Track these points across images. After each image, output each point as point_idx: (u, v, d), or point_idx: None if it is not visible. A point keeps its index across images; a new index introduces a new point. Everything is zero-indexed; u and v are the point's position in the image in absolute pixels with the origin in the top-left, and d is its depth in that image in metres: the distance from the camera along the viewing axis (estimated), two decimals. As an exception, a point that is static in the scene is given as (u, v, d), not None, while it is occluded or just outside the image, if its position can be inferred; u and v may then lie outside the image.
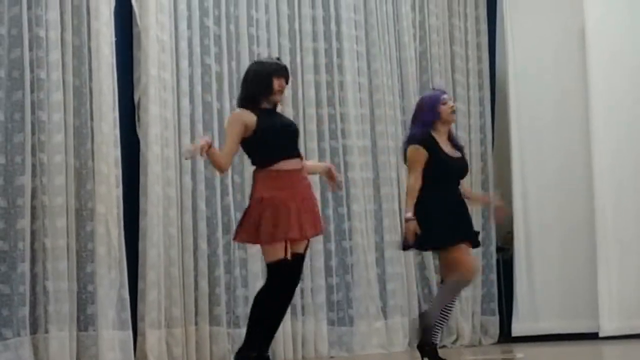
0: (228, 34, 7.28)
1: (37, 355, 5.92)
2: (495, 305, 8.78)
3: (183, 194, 6.87)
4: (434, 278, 8.28)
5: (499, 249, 8.98)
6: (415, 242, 5.95)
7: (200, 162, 6.98)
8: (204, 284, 6.86)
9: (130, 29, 6.77)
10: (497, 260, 8.90)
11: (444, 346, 8.21)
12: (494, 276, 8.81)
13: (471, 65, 8.92)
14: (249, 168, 7.18)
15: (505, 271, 8.89)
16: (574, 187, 8.41)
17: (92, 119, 6.32)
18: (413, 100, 8.39)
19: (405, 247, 6.08)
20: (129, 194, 6.54)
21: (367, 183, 7.99)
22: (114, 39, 6.48)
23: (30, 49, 6.02)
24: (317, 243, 7.55)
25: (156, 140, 6.68)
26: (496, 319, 8.68)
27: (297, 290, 7.34)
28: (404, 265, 8.08)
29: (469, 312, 8.43)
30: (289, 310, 7.23)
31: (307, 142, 7.67)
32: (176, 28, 6.93)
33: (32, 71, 6.01)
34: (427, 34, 8.63)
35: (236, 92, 7.26)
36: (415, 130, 6.06)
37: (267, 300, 5.43)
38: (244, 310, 7.03)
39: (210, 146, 5.39)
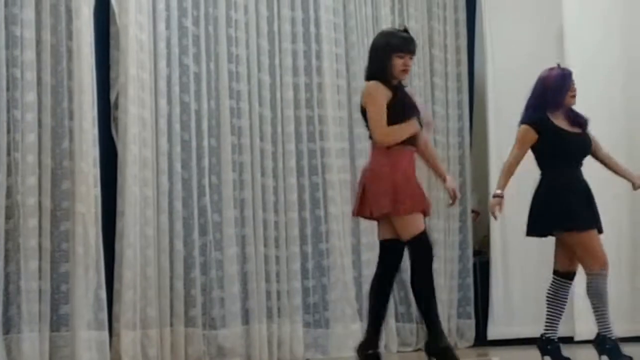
0: (207, 34, 7.26)
1: (10, 355, 5.87)
2: (471, 308, 8.79)
3: (160, 194, 6.85)
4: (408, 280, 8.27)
5: (475, 253, 8.99)
6: (545, 225, 5.83)
7: (178, 163, 6.95)
8: (179, 285, 6.84)
9: (107, 28, 6.73)
10: (474, 264, 8.91)
11: (419, 349, 8.22)
12: (470, 280, 8.81)
13: (450, 69, 8.93)
14: (226, 170, 7.22)
15: (482, 275, 8.91)
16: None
17: (70, 118, 6.28)
18: (391, 103, 8.38)
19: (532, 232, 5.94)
20: (106, 194, 6.50)
21: (345, 185, 7.98)
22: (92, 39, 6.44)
23: (7, 48, 5.98)
24: (294, 245, 7.55)
25: (134, 141, 6.65)
26: (472, 322, 8.69)
27: (273, 292, 7.40)
28: (381, 268, 8.06)
29: (445, 315, 8.41)
30: (264, 312, 7.29)
31: (285, 143, 7.65)
32: (155, 28, 6.90)
33: (7, 70, 5.97)
34: (406, 36, 8.61)
35: (214, 93, 7.28)
36: (532, 110, 5.89)
37: (429, 279, 5.31)
38: (219, 312, 7.02)
39: None
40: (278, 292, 7.43)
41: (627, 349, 5.91)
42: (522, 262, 8.57)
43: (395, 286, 8.16)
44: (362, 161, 8.04)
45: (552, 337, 5.90)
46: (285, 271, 7.50)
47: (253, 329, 7.21)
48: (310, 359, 7.52)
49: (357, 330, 7.82)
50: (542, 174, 5.91)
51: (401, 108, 5.33)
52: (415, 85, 8.61)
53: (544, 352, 5.88)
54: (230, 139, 7.29)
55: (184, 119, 7.05)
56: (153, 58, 6.87)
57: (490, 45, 8.91)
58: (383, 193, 5.28)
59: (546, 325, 5.95)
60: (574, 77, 5.97)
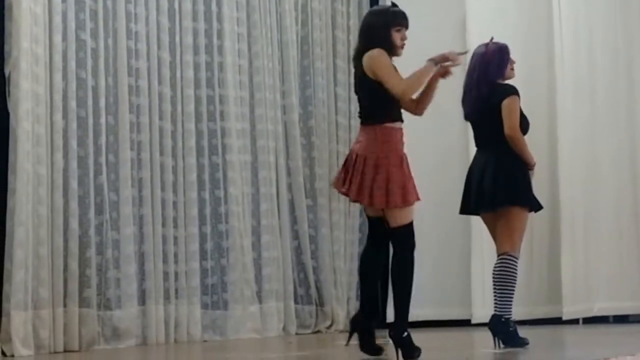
0: (105, 9, 7.11)
1: None
2: (370, 291, 8.79)
3: (54, 172, 6.69)
4: (310, 263, 8.26)
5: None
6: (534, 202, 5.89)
7: (74, 140, 6.80)
8: (74, 265, 6.69)
9: (2, 1, 6.55)
10: (374, 247, 8.92)
11: (318, 331, 8.22)
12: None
13: (352, 51, 8.88)
14: (124, 148, 7.09)
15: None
16: (453, 178, 8.46)
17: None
18: (293, 84, 8.35)
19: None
20: (-2, 171, 6.36)
21: (245, 166, 7.92)
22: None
23: None
24: (192, 226, 7.47)
25: (27, 117, 6.47)
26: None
27: (171, 273, 7.31)
28: (280, 250, 8.05)
29: (344, 298, 8.43)
30: (161, 293, 7.20)
31: (185, 123, 7.55)
32: (50, 1, 6.72)
33: None
34: (309, 17, 8.59)
35: (112, 69, 7.13)
36: (489, 83, 5.92)
37: (410, 268, 5.17)
38: (115, 293, 6.91)
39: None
40: (176, 273, 7.34)
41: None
42: (422, 248, 8.53)
43: (295, 269, 8.20)
44: (263, 142, 8.03)
45: (511, 318, 5.87)
46: (183, 252, 7.41)
47: (149, 310, 7.11)
48: (208, 341, 7.45)
49: (255, 312, 7.78)
50: (498, 150, 5.89)
51: None
52: (318, 67, 8.58)
53: (504, 334, 5.81)
54: (129, 117, 7.17)
55: (81, 95, 6.90)
56: (48, 32, 6.69)
57: (393, 30, 8.91)
58: (397, 186, 5.17)
59: (505, 306, 5.88)
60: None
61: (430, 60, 5.30)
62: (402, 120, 5.32)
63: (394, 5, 5.52)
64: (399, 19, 5.27)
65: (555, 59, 8.55)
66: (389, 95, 5.20)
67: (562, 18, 8.60)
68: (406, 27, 5.29)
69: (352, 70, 8.73)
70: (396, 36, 5.24)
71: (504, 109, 5.87)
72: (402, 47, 5.28)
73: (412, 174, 5.28)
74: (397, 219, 5.20)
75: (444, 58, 5.34)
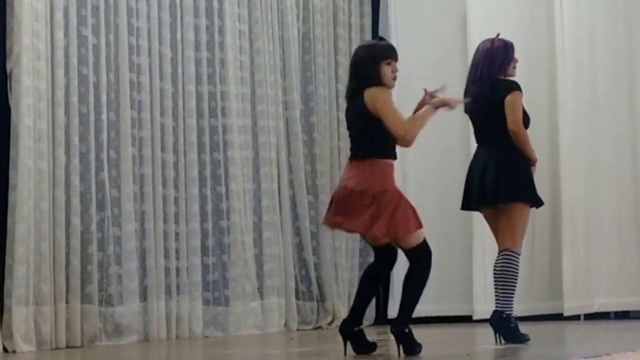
0: (106, 5, 7.11)
1: None
2: (372, 287, 8.79)
3: (56, 168, 6.69)
4: (311, 259, 8.27)
5: (377, 232, 9.00)
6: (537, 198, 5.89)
7: (75, 136, 6.81)
8: (75, 261, 6.70)
9: (3, -2, 6.57)
10: (375, 243, 8.93)
11: (319, 327, 8.23)
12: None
13: (354, 48, 8.89)
14: (126, 144, 7.09)
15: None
16: (454, 175, 8.46)
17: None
18: (295, 81, 8.36)
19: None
20: (-1, 167, 6.36)
21: (247, 163, 7.92)
22: None
23: None
24: (194, 222, 7.47)
25: (28, 112, 6.47)
26: (373, 300, 8.70)
27: (172, 269, 7.32)
28: (282, 246, 8.05)
29: (345, 294, 8.44)
30: (163, 289, 7.21)
31: (186, 119, 7.56)
32: (52, -3, 6.74)
33: None
34: (310, 14, 8.59)
35: (113, 65, 7.14)
36: (489, 79, 5.93)
37: (425, 278, 5.30)
38: (116, 289, 6.92)
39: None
40: (177, 269, 7.35)
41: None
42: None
43: (296, 265, 8.21)
44: (265, 138, 8.04)
45: (512, 314, 5.86)
46: (184, 248, 7.42)
47: (151, 306, 7.12)
48: (209, 337, 7.46)
49: (257, 308, 7.79)
50: (500, 146, 5.88)
51: None
52: (319, 64, 8.59)
53: (505, 329, 5.80)
54: (130, 113, 7.17)
55: (82, 91, 6.90)
56: (50, 28, 6.70)
57: (394, 26, 8.93)
58: (405, 214, 5.16)
59: (506, 302, 5.89)
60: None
61: (430, 105, 5.29)
62: (396, 158, 5.30)
63: (381, 39, 5.51)
64: (387, 52, 5.25)
65: (557, 55, 8.55)
66: (388, 132, 5.17)
67: (564, 13, 8.60)
68: (395, 59, 5.25)
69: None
70: (387, 69, 5.20)
71: (507, 105, 5.88)
72: (394, 79, 5.24)
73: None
74: (409, 241, 5.23)
75: (444, 102, 5.33)
